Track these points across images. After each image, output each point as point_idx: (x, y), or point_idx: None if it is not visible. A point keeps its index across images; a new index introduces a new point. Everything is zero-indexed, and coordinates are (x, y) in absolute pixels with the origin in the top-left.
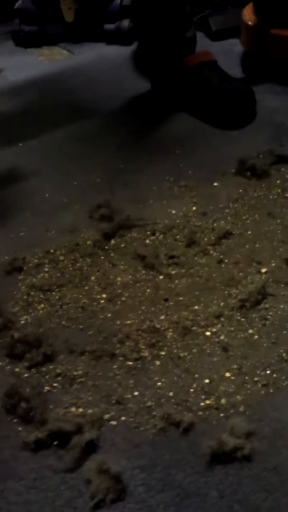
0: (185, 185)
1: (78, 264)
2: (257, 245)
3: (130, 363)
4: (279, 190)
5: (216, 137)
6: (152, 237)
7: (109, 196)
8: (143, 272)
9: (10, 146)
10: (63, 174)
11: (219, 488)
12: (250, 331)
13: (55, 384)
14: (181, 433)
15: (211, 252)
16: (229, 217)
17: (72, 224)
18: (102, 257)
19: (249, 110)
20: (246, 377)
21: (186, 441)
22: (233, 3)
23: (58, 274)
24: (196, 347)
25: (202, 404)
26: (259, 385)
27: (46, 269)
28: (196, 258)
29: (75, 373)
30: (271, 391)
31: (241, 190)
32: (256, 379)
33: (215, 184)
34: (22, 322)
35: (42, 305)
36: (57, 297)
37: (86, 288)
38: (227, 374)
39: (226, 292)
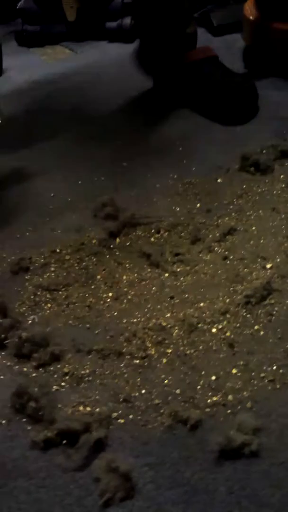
0: (189, 182)
1: (84, 263)
2: (261, 241)
3: (137, 361)
4: (283, 185)
5: (219, 133)
6: (157, 235)
7: (113, 194)
8: (149, 270)
9: (14, 146)
10: (68, 173)
11: (228, 484)
12: (256, 327)
13: (63, 383)
14: (189, 430)
15: (216, 248)
16: (233, 213)
17: (77, 223)
18: (107, 256)
19: (251, 105)
20: (253, 373)
21: (194, 438)
22: None
23: (64, 274)
24: (202, 344)
25: (209, 401)
26: (266, 380)
27: (52, 269)
28: (201, 255)
29: (82, 372)
30: (278, 386)
31: (245, 186)
32: (262, 375)
33: (219, 180)
34: (29, 322)
35: (49, 305)
36: (63, 296)
37: (92, 287)
38: (234, 371)
39: (231, 288)
